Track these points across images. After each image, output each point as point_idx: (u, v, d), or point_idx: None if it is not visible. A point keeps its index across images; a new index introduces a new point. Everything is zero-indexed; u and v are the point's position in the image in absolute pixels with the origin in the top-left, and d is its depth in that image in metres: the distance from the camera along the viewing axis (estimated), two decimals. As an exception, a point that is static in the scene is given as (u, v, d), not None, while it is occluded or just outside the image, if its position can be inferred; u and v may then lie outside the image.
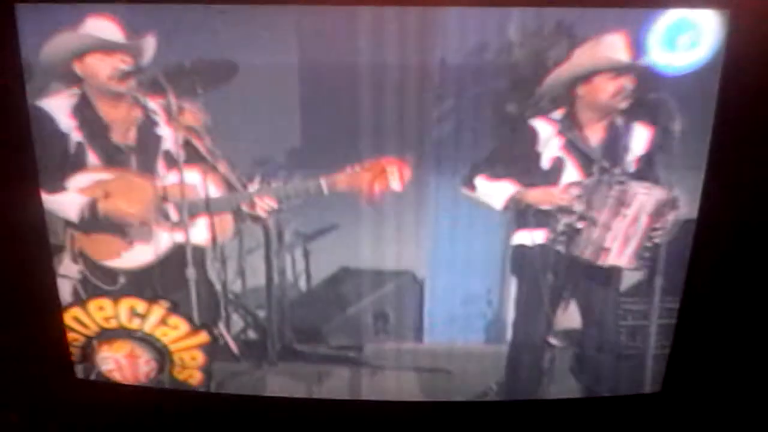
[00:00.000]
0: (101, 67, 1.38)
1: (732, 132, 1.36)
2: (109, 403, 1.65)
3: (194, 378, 1.64)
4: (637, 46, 1.32)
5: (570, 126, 1.42)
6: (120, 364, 1.63)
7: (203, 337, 1.59)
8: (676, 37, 1.31)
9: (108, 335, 1.60)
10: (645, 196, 1.45)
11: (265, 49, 1.34)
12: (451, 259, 1.51)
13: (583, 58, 1.33)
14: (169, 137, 1.43)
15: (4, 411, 1.67)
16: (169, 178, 1.46)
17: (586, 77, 1.37)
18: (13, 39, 1.32)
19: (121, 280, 1.54)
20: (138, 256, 1.52)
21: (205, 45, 1.33)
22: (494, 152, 1.42)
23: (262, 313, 1.57)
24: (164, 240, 1.51)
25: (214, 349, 1.60)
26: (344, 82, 1.35)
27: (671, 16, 1.30)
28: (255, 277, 1.55)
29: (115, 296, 1.55)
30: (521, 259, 1.51)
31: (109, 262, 1.53)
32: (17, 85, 1.36)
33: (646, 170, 1.43)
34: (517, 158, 1.43)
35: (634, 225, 1.47)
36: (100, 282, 1.54)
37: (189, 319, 1.57)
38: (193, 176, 1.46)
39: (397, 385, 1.61)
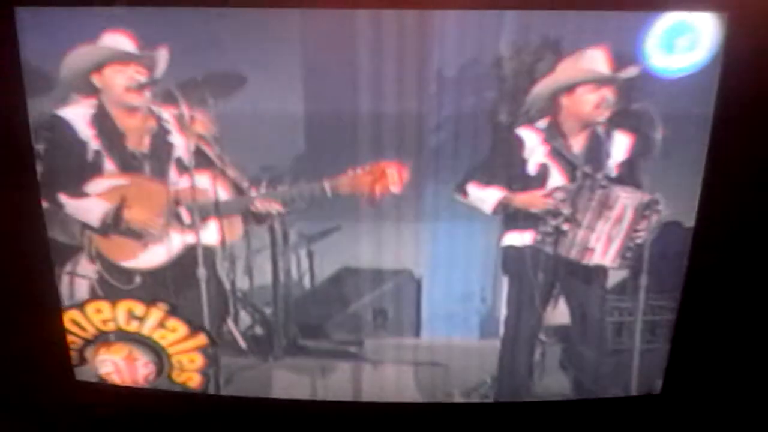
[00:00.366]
0: (118, 79, 1.43)
1: (730, 133, 1.38)
2: (109, 405, 1.66)
3: (193, 380, 1.65)
4: (630, 53, 1.35)
5: (555, 134, 1.46)
6: (118, 366, 1.64)
7: (202, 339, 1.61)
8: (674, 41, 1.33)
9: (106, 338, 1.62)
10: (627, 200, 1.49)
11: (271, 61, 1.38)
12: (447, 259, 1.55)
13: (566, 70, 1.38)
14: (181, 145, 1.47)
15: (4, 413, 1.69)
16: (181, 182, 1.50)
17: (569, 88, 1.42)
18: (13, 42, 1.35)
19: (137, 279, 1.57)
20: (152, 256, 1.55)
21: (215, 57, 1.37)
22: (484, 160, 1.46)
23: (268, 310, 1.60)
24: (176, 241, 1.54)
25: (216, 348, 1.62)
26: (346, 92, 1.40)
27: (669, 19, 1.32)
28: (262, 276, 1.58)
29: (125, 297, 1.58)
30: (511, 259, 1.54)
31: (125, 263, 1.56)
32: (17, 87, 1.39)
33: (628, 174, 1.47)
34: (505, 165, 1.47)
35: (616, 226, 1.51)
36: (116, 282, 1.57)
37: (188, 321, 1.60)
38: (203, 181, 1.49)
39: (395, 378, 1.64)
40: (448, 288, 1.58)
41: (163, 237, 1.54)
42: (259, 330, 1.62)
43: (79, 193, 1.50)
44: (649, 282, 1.54)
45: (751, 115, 1.37)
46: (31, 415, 1.68)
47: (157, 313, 1.59)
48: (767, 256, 1.49)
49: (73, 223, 1.52)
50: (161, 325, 1.60)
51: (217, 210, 1.52)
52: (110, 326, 1.60)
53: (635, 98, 1.40)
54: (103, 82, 1.43)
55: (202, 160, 1.48)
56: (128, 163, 1.49)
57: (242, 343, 1.62)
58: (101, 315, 1.59)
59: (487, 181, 1.48)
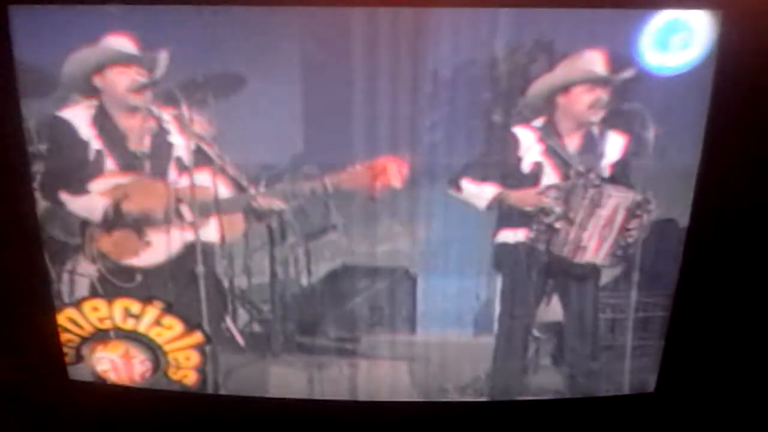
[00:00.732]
0: (119, 80, 1.44)
1: (725, 131, 1.39)
2: (102, 405, 1.67)
3: (189, 378, 1.66)
4: (625, 51, 1.36)
5: (550, 133, 1.48)
6: (115, 364, 1.65)
7: (197, 337, 1.62)
8: (669, 39, 1.34)
9: (102, 336, 1.62)
10: (619, 199, 1.50)
11: (270, 61, 1.40)
12: (442, 256, 1.56)
13: (562, 69, 1.39)
14: (181, 144, 1.49)
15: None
16: (181, 181, 1.51)
17: (565, 88, 1.43)
18: (7, 41, 1.36)
19: (138, 277, 1.58)
20: (152, 254, 1.56)
21: (214, 57, 1.39)
22: (479, 157, 1.47)
23: (266, 308, 1.61)
24: (176, 239, 1.55)
25: (212, 346, 1.63)
26: (344, 91, 1.42)
27: (664, 17, 1.33)
28: (260, 273, 1.59)
29: (122, 295, 1.59)
30: (505, 257, 1.56)
31: (126, 261, 1.57)
32: (10, 85, 1.39)
33: (621, 174, 1.49)
34: (500, 163, 1.49)
35: (609, 225, 1.53)
36: (117, 280, 1.58)
37: (184, 319, 1.61)
38: (203, 179, 1.50)
39: (391, 374, 1.65)
40: (443, 285, 1.59)
41: (163, 235, 1.55)
42: (257, 327, 1.63)
43: (79, 191, 1.51)
44: (642, 279, 1.56)
45: (745, 112, 1.38)
46: (25, 414, 1.69)
47: (153, 311, 1.60)
48: (761, 254, 1.50)
49: (73, 221, 1.53)
50: (157, 322, 1.61)
51: (217, 208, 1.53)
52: (107, 324, 1.61)
53: (630, 98, 1.42)
54: (104, 83, 1.44)
55: (202, 159, 1.49)
56: (129, 163, 1.50)
57: (240, 341, 1.63)
58: (98, 313, 1.60)
59: (482, 177, 1.49)
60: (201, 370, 1.65)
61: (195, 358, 1.64)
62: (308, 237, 1.57)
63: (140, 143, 1.49)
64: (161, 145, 1.49)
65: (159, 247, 1.56)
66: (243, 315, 1.62)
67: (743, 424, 1.65)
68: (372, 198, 1.50)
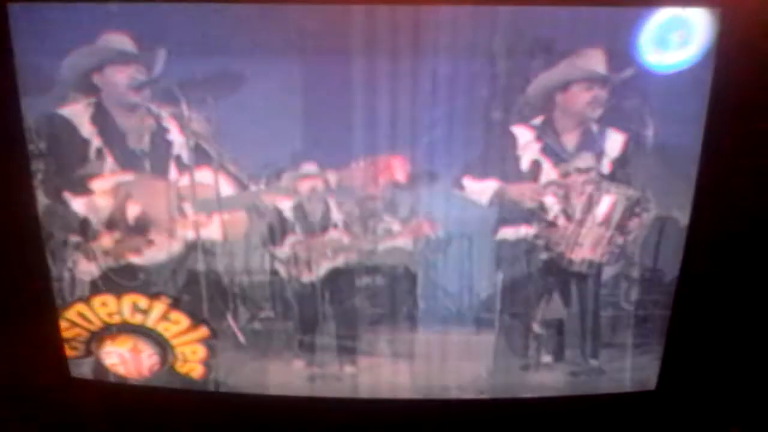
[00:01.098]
0: (119, 78, 1.44)
1: (725, 127, 1.39)
2: (104, 401, 1.68)
3: (196, 371, 1.67)
4: (624, 49, 1.36)
5: (549, 131, 1.48)
6: (124, 358, 1.66)
7: (203, 331, 1.63)
8: (668, 36, 1.34)
9: (111, 330, 1.63)
10: (617, 196, 1.51)
11: (270, 59, 1.41)
12: (443, 254, 1.57)
13: (561, 68, 1.40)
14: (181, 142, 1.49)
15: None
16: (181, 179, 1.52)
17: (564, 85, 1.43)
18: (6, 38, 1.37)
19: (140, 276, 1.59)
20: (154, 253, 1.57)
21: (214, 55, 1.40)
22: (480, 155, 1.48)
23: (267, 305, 1.62)
24: (177, 237, 1.56)
25: (218, 340, 1.64)
26: (343, 88, 1.42)
27: (663, 14, 1.33)
28: (261, 271, 1.59)
29: (130, 291, 1.59)
30: (506, 254, 1.56)
31: (128, 259, 1.58)
32: (10, 83, 1.40)
33: (620, 171, 1.49)
34: (500, 160, 1.49)
35: (607, 222, 1.53)
36: (119, 278, 1.59)
37: (190, 314, 1.61)
38: (203, 177, 1.51)
39: (392, 372, 1.65)
40: (444, 283, 1.59)
41: (164, 233, 1.56)
42: (257, 325, 1.64)
43: (80, 190, 1.52)
44: (642, 277, 1.56)
45: (744, 109, 1.38)
46: (26, 411, 1.70)
47: (160, 306, 1.61)
48: (761, 251, 1.50)
49: (74, 219, 1.54)
50: (164, 317, 1.62)
51: (218, 206, 1.53)
52: (116, 319, 1.62)
53: (629, 95, 1.42)
54: (103, 81, 1.45)
55: (202, 157, 1.50)
56: (129, 161, 1.51)
57: (241, 338, 1.64)
58: (107, 308, 1.61)
59: (483, 174, 1.50)
60: (207, 363, 1.66)
61: (201, 351, 1.65)
62: (309, 235, 1.57)
63: (140, 141, 1.49)
64: (161, 144, 1.50)
65: (160, 246, 1.56)
66: (244, 313, 1.62)
67: (744, 421, 1.65)
68: (372, 196, 1.51)
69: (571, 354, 1.65)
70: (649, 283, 1.57)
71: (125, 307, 1.61)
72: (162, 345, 1.65)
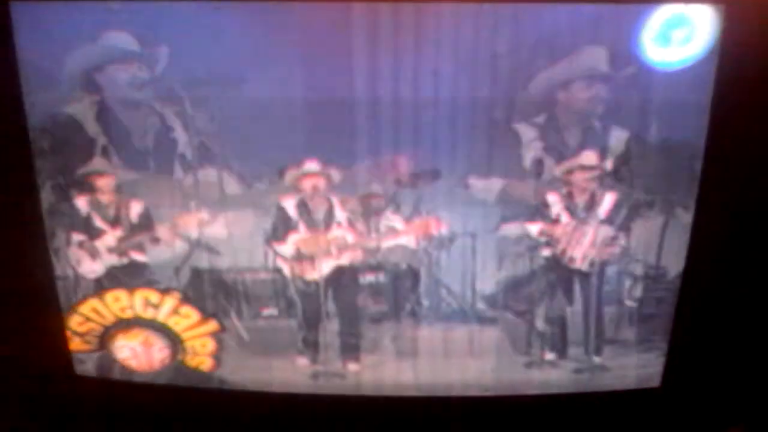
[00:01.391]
0: (121, 77, 1.45)
1: (728, 124, 1.38)
2: (108, 399, 1.69)
3: (205, 364, 1.68)
4: (627, 46, 1.35)
5: (551, 129, 1.47)
6: (136, 351, 1.68)
7: (213, 325, 1.64)
8: (671, 33, 1.33)
9: (124, 324, 1.65)
10: (619, 193, 1.51)
11: (272, 56, 1.40)
12: (447, 252, 1.57)
13: (563, 65, 1.39)
14: (185, 140, 1.50)
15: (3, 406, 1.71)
16: (185, 178, 1.52)
17: (566, 84, 1.43)
18: (9, 37, 1.37)
19: (146, 274, 1.60)
20: (159, 251, 1.58)
21: (216, 55, 1.40)
22: (484, 154, 1.48)
23: (271, 303, 1.62)
24: (182, 235, 1.57)
25: (223, 338, 1.65)
26: (345, 87, 1.42)
27: (666, 11, 1.33)
28: (264, 269, 1.60)
29: (142, 286, 1.61)
30: (509, 251, 1.56)
31: (132, 257, 1.59)
32: (13, 81, 1.40)
33: (622, 169, 1.49)
34: (502, 158, 1.49)
35: (610, 219, 1.53)
36: (123, 276, 1.60)
37: (200, 308, 1.63)
38: (207, 176, 1.52)
39: (396, 369, 1.66)
40: (447, 280, 1.60)
41: (168, 230, 1.57)
42: (261, 323, 1.64)
43: (84, 188, 1.53)
44: (646, 274, 1.56)
45: (748, 107, 1.37)
46: (31, 408, 1.71)
47: (171, 301, 1.62)
48: (766, 249, 1.49)
49: (78, 217, 1.55)
50: (175, 311, 1.63)
51: (221, 204, 1.54)
52: (128, 314, 1.64)
53: (632, 93, 1.41)
54: (106, 80, 1.45)
55: (205, 156, 1.50)
56: (133, 159, 1.51)
57: (245, 336, 1.65)
58: (119, 303, 1.63)
59: (488, 173, 1.49)
60: (216, 356, 1.67)
61: (211, 345, 1.67)
62: (312, 232, 1.57)
63: (144, 140, 1.50)
64: (165, 142, 1.50)
65: (164, 244, 1.57)
66: (247, 310, 1.63)
67: (748, 418, 1.65)
68: (376, 194, 1.52)
69: (574, 351, 1.65)
70: (652, 281, 1.56)
71: (137, 301, 1.62)
72: (173, 339, 1.66)
